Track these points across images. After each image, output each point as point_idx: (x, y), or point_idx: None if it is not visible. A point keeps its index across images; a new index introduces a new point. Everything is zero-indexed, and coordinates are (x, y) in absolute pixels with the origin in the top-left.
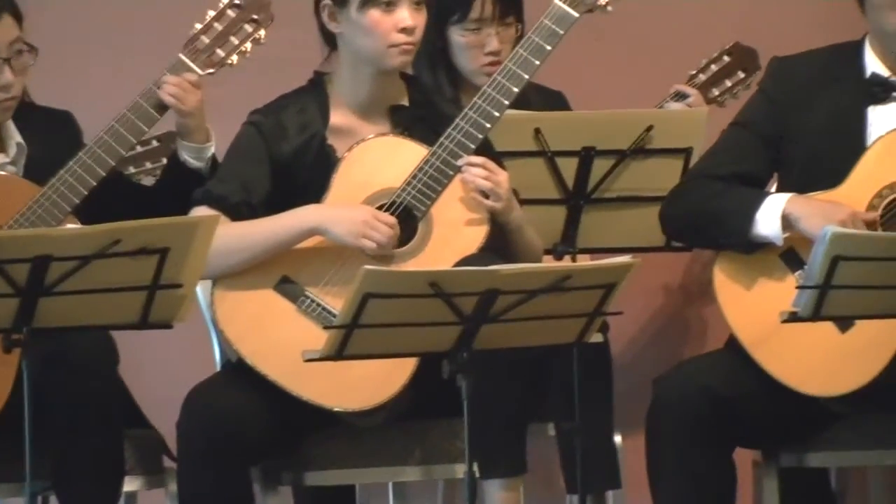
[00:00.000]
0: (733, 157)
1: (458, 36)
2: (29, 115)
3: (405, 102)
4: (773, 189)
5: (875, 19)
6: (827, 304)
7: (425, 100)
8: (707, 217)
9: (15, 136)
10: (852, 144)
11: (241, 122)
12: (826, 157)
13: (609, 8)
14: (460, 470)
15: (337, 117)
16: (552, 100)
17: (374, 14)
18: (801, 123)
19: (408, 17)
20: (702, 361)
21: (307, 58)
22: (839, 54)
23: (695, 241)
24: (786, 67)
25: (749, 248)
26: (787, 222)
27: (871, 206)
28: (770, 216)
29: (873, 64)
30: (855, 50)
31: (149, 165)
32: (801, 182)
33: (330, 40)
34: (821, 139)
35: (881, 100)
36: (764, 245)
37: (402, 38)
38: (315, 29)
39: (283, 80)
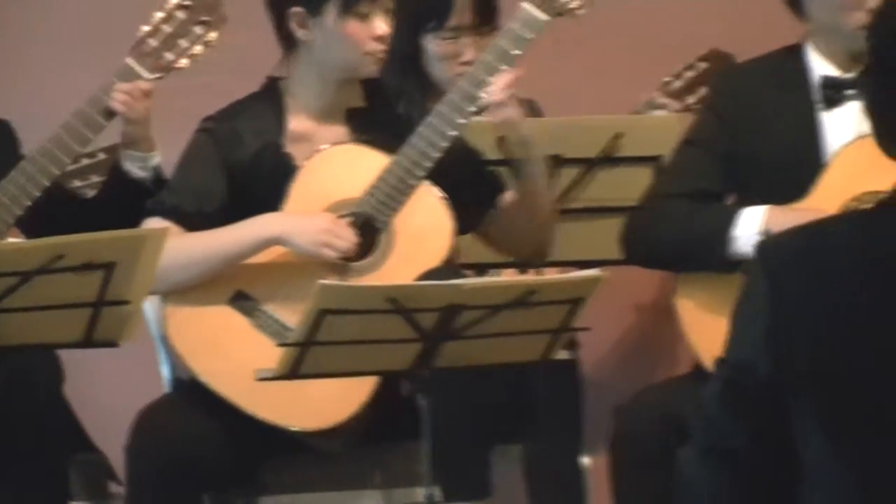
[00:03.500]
0: (691, 175)
1: (433, 44)
2: None
3: (362, 105)
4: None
5: (828, 19)
6: None
7: (384, 103)
8: (677, 242)
9: None
10: (810, 154)
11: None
12: (784, 169)
13: (580, 11)
14: (421, 494)
15: (294, 123)
16: (524, 108)
17: (352, 23)
18: (754, 136)
19: (383, 26)
20: (665, 388)
21: (259, 61)
22: (781, 60)
23: (664, 267)
24: (730, 80)
25: (729, 268)
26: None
27: None
28: (748, 233)
29: (821, 66)
30: (797, 54)
31: (95, 179)
32: (761, 197)
33: (290, 46)
34: (776, 151)
35: (835, 102)
36: (743, 263)
37: (378, 46)
38: (261, 32)
39: (235, 85)
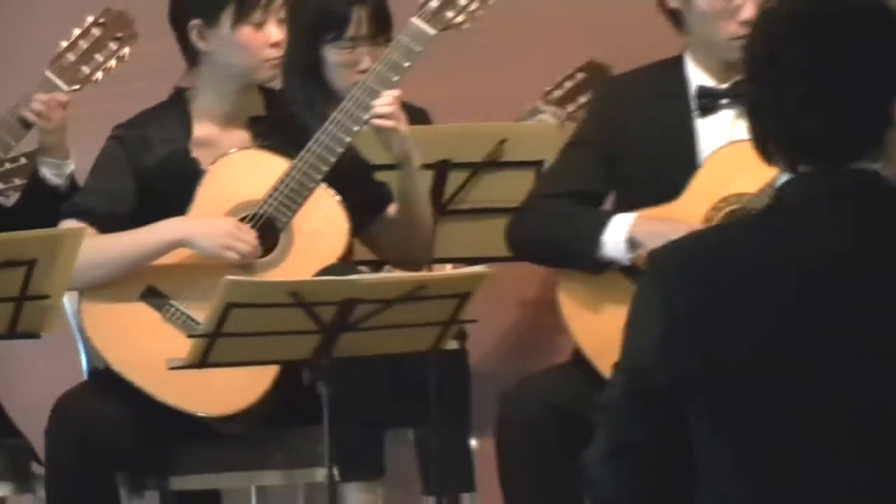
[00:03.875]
0: (572, 176)
1: (332, 54)
2: None
3: (263, 113)
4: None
5: (703, 31)
6: None
7: (283, 111)
8: (554, 241)
9: None
10: (684, 157)
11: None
12: (660, 171)
13: (465, 26)
14: (320, 474)
15: (199, 130)
16: (415, 116)
17: (247, 31)
18: (633, 140)
19: (277, 33)
20: (546, 376)
21: (167, 71)
22: (662, 70)
23: (542, 262)
24: (613, 87)
25: (597, 268)
26: (632, 244)
27: (707, 219)
28: (615, 239)
29: (698, 77)
30: (677, 65)
31: (17, 182)
32: (638, 197)
33: (193, 57)
34: (654, 154)
35: (710, 110)
36: (611, 264)
37: (273, 52)
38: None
39: (143, 95)
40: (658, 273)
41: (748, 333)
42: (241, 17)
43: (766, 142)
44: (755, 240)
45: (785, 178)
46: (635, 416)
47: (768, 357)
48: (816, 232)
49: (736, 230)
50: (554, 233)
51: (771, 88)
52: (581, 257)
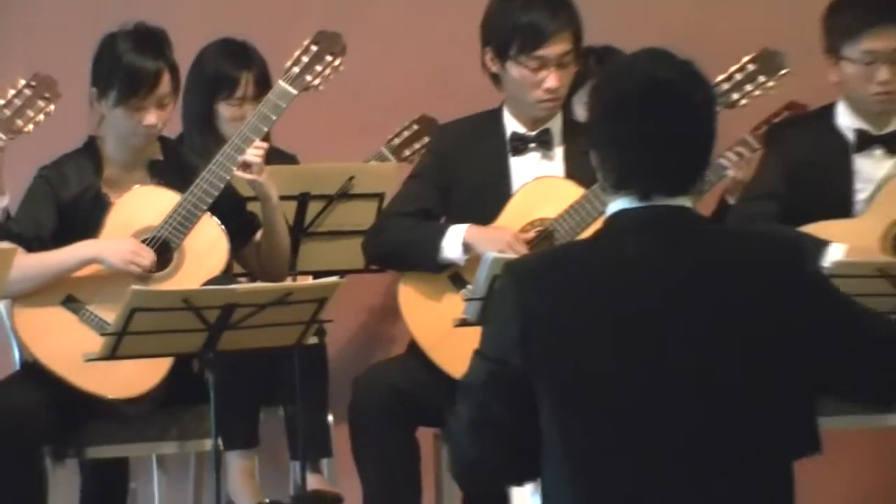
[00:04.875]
0: (415, 199)
1: (224, 109)
2: None
3: (160, 157)
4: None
5: (515, 93)
6: None
7: (176, 155)
8: (403, 248)
9: None
10: (501, 189)
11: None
12: (481, 199)
13: (321, 87)
14: (208, 444)
15: (108, 171)
16: (286, 159)
17: (125, 112)
18: (461, 173)
19: (152, 116)
20: (389, 364)
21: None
22: (485, 119)
23: (394, 266)
24: (446, 131)
25: (438, 269)
26: (467, 247)
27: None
28: (453, 243)
29: (512, 125)
30: (496, 115)
31: None
32: (464, 219)
33: (99, 114)
34: (477, 185)
35: (520, 151)
36: (450, 265)
37: (143, 131)
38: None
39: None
40: (517, 281)
41: (584, 338)
42: (120, 101)
43: (612, 179)
44: (592, 258)
45: (614, 209)
46: (494, 395)
47: (597, 357)
48: (638, 253)
49: (578, 249)
50: (403, 242)
51: (615, 145)
52: (425, 261)
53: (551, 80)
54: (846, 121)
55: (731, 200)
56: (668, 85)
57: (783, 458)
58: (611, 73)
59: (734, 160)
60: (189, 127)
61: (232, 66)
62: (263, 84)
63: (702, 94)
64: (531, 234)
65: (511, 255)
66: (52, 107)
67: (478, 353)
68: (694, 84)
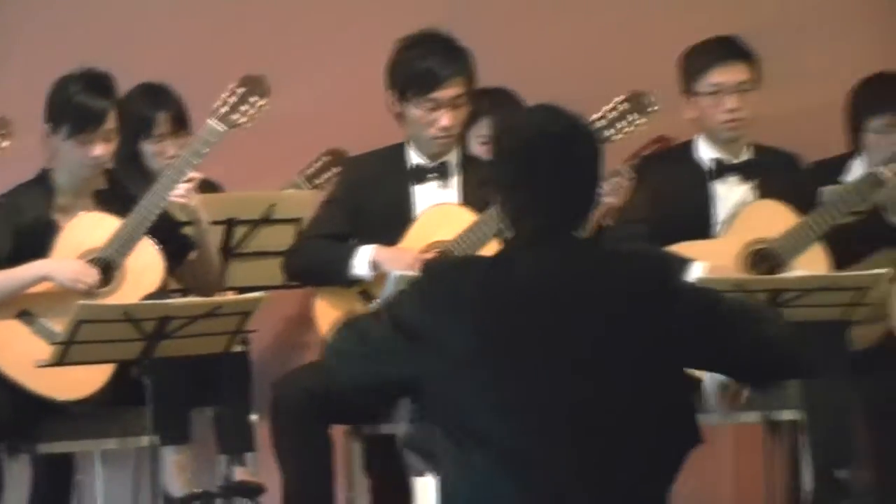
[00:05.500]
0: (328, 223)
1: (146, 146)
2: None
3: (105, 186)
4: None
5: (415, 130)
6: None
7: (119, 185)
8: (318, 266)
9: None
10: (404, 214)
11: None
12: (387, 223)
13: (248, 125)
14: (146, 440)
15: (59, 199)
16: (213, 188)
17: (74, 144)
18: (368, 200)
19: (100, 148)
20: (305, 368)
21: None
22: (389, 152)
23: (310, 283)
24: (355, 163)
25: (350, 284)
26: (374, 265)
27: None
28: (362, 262)
29: (414, 157)
30: (400, 149)
31: None
32: (373, 240)
33: (51, 148)
34: (383, 211)
35: (421, 181)
36: (359, 282)
37: (91, 162)
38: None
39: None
40: (430, 277)
41: (476, 330)
42: (71, 135)
43: (510, 216)
44: (490, 269)
45: (511, 233)
46: (381, 337)
47: (483, 352)
48: (527, 270)
49: (481, 262)
50: (318, 261)
51: (511, 187)
52: (337, 277)
53: (444, 119)
54: (705, 152)
55: (606, 223)
56: (556, 138)
57: (674, 456)
58: (509, 124)
59: (608, 189)
60: (119, 164)
61: (150, 108)
62: (179, 121)
63: (586, 146)
64: (431, 255)
65: (413, 273)
66: (7, 143)
67: (374, 312)
68: (579, 137)
